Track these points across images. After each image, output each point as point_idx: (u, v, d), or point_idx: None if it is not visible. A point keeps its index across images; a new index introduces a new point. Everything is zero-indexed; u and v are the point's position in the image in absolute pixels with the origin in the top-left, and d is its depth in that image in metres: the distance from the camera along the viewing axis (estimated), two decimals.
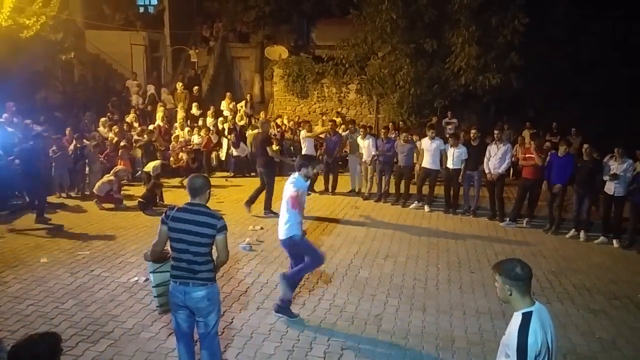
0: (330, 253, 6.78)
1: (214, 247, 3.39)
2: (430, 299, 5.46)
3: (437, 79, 13.10)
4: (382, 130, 10.69)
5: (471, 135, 9.23)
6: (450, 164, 9.21)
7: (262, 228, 7.83)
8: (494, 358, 2.69)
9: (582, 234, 7.86)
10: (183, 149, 11.99)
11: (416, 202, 9.64)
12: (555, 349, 2.54)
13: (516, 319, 2.48)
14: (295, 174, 4.79)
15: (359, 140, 10.39)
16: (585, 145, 8.06)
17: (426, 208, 9.43)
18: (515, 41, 11.92)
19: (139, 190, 9.60)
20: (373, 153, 10.06)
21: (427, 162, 9.31)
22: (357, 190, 10.65)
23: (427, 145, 9.31)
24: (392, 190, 10.14)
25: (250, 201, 8.69)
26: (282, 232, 4.72)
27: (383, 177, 10.10)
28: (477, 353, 4.35)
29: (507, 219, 8.60)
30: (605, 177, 7.62)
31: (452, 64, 12.54)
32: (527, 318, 2.44)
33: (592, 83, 13.21)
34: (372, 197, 10.22)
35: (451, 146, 9.18)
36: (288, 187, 4.70)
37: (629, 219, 7.65)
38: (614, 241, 7.61)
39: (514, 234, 8.09)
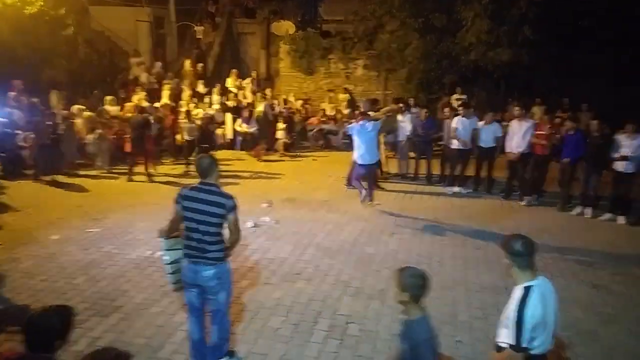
0: (336, 230, 6.87)
1: (225, 226, 3.44)
2: (434, 274, 5.44)
3: (446, 54, 12.87)
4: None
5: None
6: (483, 142, 8.86)
7: (269, 206, 7.90)
8: (495, 332, 2.75)
9: (588, 210, 7.82)
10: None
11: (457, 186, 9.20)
12: (556, 322, 2.59)
13: (517, 292, 2.54)
14: (364, 122, 7.48)
15: (399, 116, 10.01)
16: (594, 121, 7.95)
17: (450, 189, 9.08)
18: (530, 14, 11.59)
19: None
20: (407, 133, 9.83)
21: (462, 141, 8.89)
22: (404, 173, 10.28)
23: (465, 124, 8.90)
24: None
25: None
26: (374, 158, 7.54)
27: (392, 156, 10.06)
28: (479, 327, 4.42)
29: (529, 197, 8.40)
30: (615, 155, 7.52)
31: (462, 39, 12.29)
32: (527, 291, 2.51)
33: (605, 59, 12.89)
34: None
35: (485, 123, 8.89)
36: (371, 126, 7.43)
37: (636, 196, 7.60)
38: (621, 217, 7.57)
39: (520, 211, 8.08)
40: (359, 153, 7.48)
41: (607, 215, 7.67)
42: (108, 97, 12.02)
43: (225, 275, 3.51)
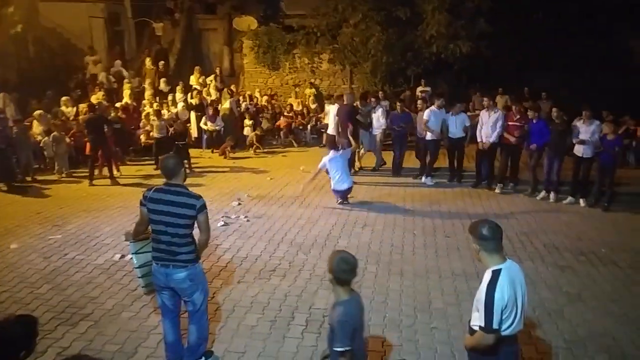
0: (308, 225, 6.85)
1: (195, 227, 3.37)
2: (407, 263, 5.60)
3: (409, 46, 13.03)
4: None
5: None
6: (452, 133, 9.05)
7: (239, 204, 7.79)
8: (469, 317, 2.80)
9: (552, 194, 8.12)
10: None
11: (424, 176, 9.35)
12: (524, 303, 2.67)
13: (486, 276, 2.60)
14: (333, 154, 7.82)
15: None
16: (554, 109, 8.26)
17: (428, 180, 9.19)
18: (484, 6, 11.92)
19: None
20: (383, 126, 9.92)
21: (436, 132, 9.04)
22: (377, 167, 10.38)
23: (437, 115, 9.01)
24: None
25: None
26: (349, 183, 7.80)
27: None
28: (453, 313, 4.50)
29: (501, 184, 8.65)
30: (575, 140, 7.83)
31: (423, 32, 12.48)
32: (495, 275, 2.57)
33: (562, 50, 13.39)
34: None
35: (452, 114, 9.05)
36: (342, 156, 7.86)
37: (595, 179, 7.93)
38: (581, 200, 7.91)
39: (488, 198, 8.30)
40: (335, 180, 7.70)
41: (569, 199, 7.99)
42: (63, 98, 11.54)
43: (198, 276, 3.44)
